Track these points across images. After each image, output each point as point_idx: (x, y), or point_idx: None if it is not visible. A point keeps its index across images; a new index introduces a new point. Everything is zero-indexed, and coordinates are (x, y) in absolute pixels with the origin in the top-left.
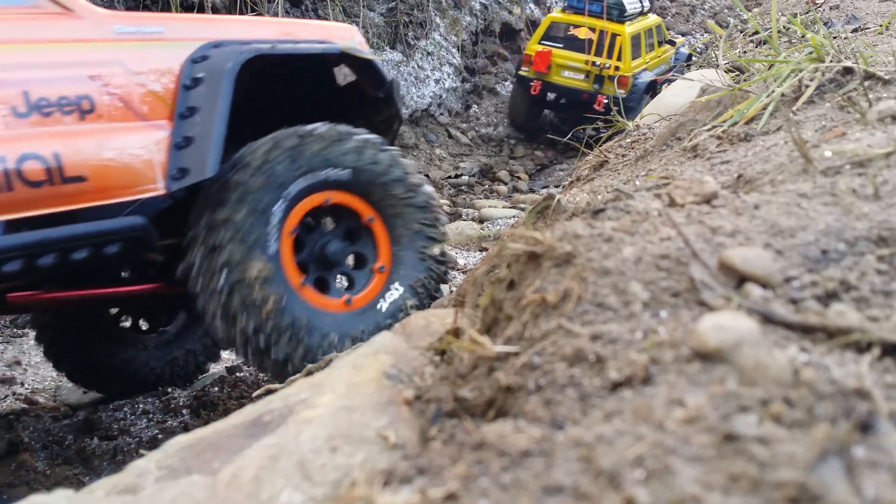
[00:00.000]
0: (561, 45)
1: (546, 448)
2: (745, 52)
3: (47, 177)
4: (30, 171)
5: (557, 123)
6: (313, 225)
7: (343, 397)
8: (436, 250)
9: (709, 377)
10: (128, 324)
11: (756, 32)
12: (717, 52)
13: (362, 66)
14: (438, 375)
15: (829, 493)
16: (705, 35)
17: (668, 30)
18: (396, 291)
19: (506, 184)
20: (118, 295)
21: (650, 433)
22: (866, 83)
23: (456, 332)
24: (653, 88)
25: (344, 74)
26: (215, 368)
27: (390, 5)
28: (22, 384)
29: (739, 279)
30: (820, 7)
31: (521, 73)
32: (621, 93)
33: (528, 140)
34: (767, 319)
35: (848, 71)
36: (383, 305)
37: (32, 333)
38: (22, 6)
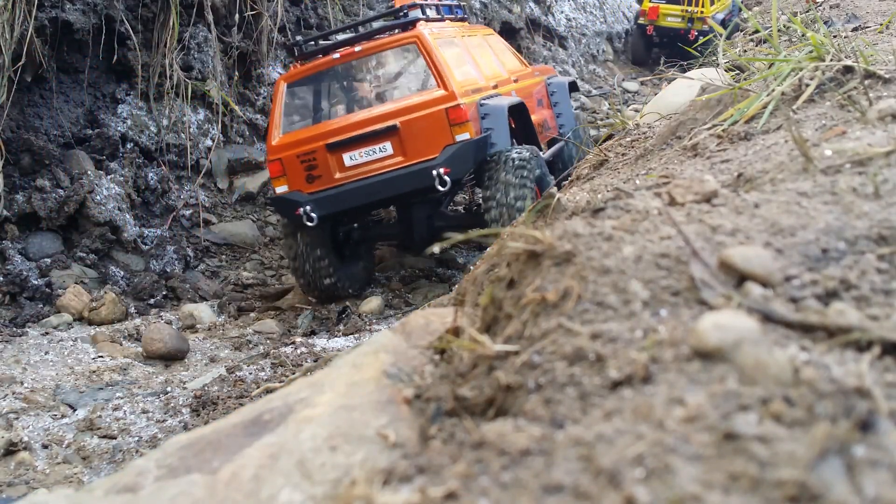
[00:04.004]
0: (664, 1)
1: (546, 447)
2: (746, 50)
3: (549, 126)
4: (546, 122)
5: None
6: None
7: (343, 396)
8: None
9: (709, 376)
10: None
11: (756, 31)
12: (717, 51)
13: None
14: (438, 374)
15: (829, 491)
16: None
17: None
18: None
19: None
20: None
21: (650, 432)
22: (866, 82)
23: (456, 331)
24: (724, 23)
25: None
26: (215, 369)
27: (390, 4)
28: (21, 383)
29: (739, 278)
30: (820, 6)
31: (639, 22)
32: (706, 27)
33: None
34: (767, 318)
35: (848, 70)
36: None
37: (33, 333)
38: (518, 67)
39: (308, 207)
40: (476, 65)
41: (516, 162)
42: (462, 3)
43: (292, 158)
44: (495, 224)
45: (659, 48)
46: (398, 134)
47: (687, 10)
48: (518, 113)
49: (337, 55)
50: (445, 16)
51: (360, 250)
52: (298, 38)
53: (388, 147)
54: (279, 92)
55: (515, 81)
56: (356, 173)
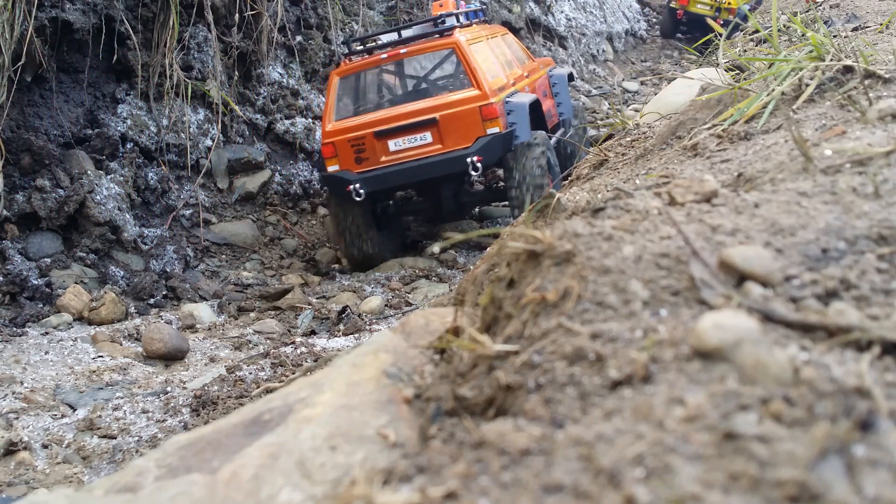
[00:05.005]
0: None
1: (546, 447)
2: (746, 50)
3: (551, 115)
4: (552, 112)
5: (686, 38)
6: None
7: (343, 396)
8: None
9: (709, 376)
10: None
11: (756, 31)
12: (717, 51)
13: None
14: (438, 374)
15: (829, 491)
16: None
17: None
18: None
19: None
20: None
21: (650, 432)
22: (866, 82)
23: (456, 331)
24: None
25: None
26: (214, 368)
27: (390, 4)
28: (21, 383)
29: (739, 278)
30: (820, 6)
31: (671, 5)
32: (731, 17)
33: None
34: (767, 318)
35: (848, 69)
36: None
37: (33, 332)
38: (526, 62)
39: (357, 185)
40: (500, 64)
41: (530, 144)
42: (484, 7)
43: (344, 142)
44: (514, 198)
45: (686, 27)
46: (437, 126)
47: (717, 1)
48: (533, 107)
49: (384, 55)
50: (472, 21)
51: (394, 224)
52: (350, 37)
53: (427, 136)
54: (332, 84)
55: (527, 76)
56: (399, 157)
